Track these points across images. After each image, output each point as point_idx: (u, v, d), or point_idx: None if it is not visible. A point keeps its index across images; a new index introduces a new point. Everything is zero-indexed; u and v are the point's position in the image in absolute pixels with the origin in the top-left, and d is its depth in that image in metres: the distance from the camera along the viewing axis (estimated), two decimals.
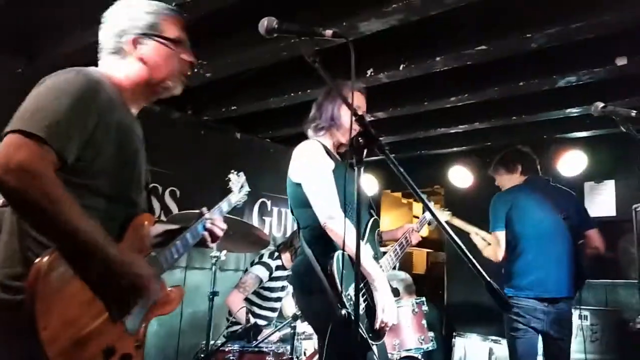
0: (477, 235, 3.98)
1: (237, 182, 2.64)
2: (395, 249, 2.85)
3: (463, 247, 1.56)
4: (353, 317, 2.09)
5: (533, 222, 3.65)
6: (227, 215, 3.51)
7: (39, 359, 1.33)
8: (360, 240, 1.58)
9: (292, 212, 2.61)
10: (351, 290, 2.25)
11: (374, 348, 2.34)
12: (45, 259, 1.38)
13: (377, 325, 2.33)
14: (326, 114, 2.63)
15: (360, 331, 2.21)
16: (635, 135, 2.47)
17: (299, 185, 2.47)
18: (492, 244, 3.71)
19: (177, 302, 1.88)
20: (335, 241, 2.31)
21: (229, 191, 2.53)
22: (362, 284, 2.37)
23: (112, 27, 1.75)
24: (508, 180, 3.86)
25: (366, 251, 2.46)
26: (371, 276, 2.35)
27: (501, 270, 3.87)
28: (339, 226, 2.26)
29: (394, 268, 4.96)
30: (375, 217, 2.70)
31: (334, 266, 2.24)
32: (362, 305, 2.35)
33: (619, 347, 4.97)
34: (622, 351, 4.96)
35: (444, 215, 3.98)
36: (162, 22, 1.78)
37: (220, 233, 2.06)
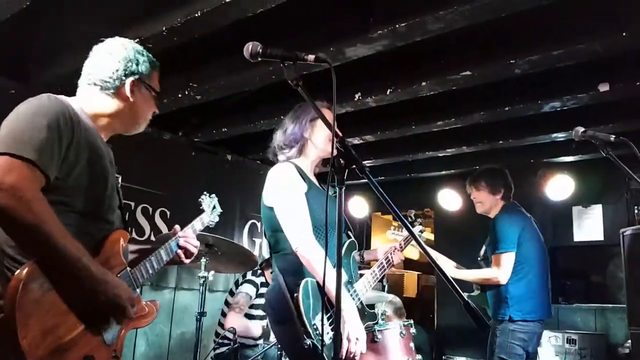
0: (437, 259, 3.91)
1: (210, 203, 2.71)
2: (374, 271, 2.74)
3: (442, 267, 1.59)
4: (320, 348, 2.09)
5: (534, 246, 3.69)
6: (216, 236, 3.56)
7: None
8: (338, 266, 1.57)
9: (265, 235, 2.56)
10: (317, 320, 2.19)
11: None
12: (25, 270, 1.44)
13: (342, 354, 2.18)
14: (295, 133, 2.55)
15: None
16: (614, 160, 2.54)
17: (271, 209, 2.41)
18: (496, 266, 3.59)
19: (152, 316, 1.95)
20: (306, 267, 2.25)
21: (202, 211, 2.62)
22: (330, 313, 2.27)
23: (108, 62, 1.84)
24: (486, 199, 3.84)
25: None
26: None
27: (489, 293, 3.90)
28: (309, 252, 2.21)
29: (383, 289, 4.94)
30: (352, 239, 2.63)
31: (300, 295, 2.18)
32: (330, 335, 2.26)
33: None
34: None
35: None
36: (152, 74, 1.93)
37: (194, 250, 2.16)
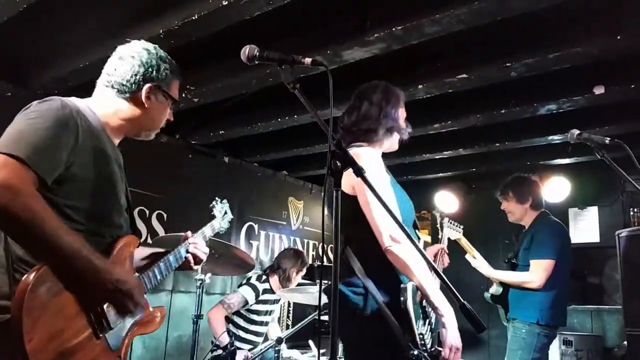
0: (475, 259, 3.95)
1: (221, 209, 2.68)
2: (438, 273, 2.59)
3: (440, 270, 1.60)
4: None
5: (567, 256, 3.75)
6: (213, 239, 3.55)
7: None
8: (335, 267, 1.49)
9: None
10: (421, 328, 2.02)
11: None
12: (33, 274, 1.43)
13: None
14: (393, 116, 2.31)
15: None
16: (610, 162, 2.55)
17: (352, 197, 2.14)
18: (535, 270, 3.65)
19: (159, 322, 1.92)
20: (397, 268, 2.04)
21: (213, 217, 2.59)
22: (426, 321, 2.11)
23: (127, 65, 1.81)
24: (515, 208, 3.88)
25: (434, 281, 2.08)
26: (439, 311, 2.01)
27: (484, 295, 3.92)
28: (404, 251, 1.99)
29: None
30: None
31: (408, 301, 1.98)
32: (430, 342, 2.05)
33: None
34: None
35: (455, 233, 3.83)
36: (173, 81, 1.92)
37: (203, 256, 2.12)
